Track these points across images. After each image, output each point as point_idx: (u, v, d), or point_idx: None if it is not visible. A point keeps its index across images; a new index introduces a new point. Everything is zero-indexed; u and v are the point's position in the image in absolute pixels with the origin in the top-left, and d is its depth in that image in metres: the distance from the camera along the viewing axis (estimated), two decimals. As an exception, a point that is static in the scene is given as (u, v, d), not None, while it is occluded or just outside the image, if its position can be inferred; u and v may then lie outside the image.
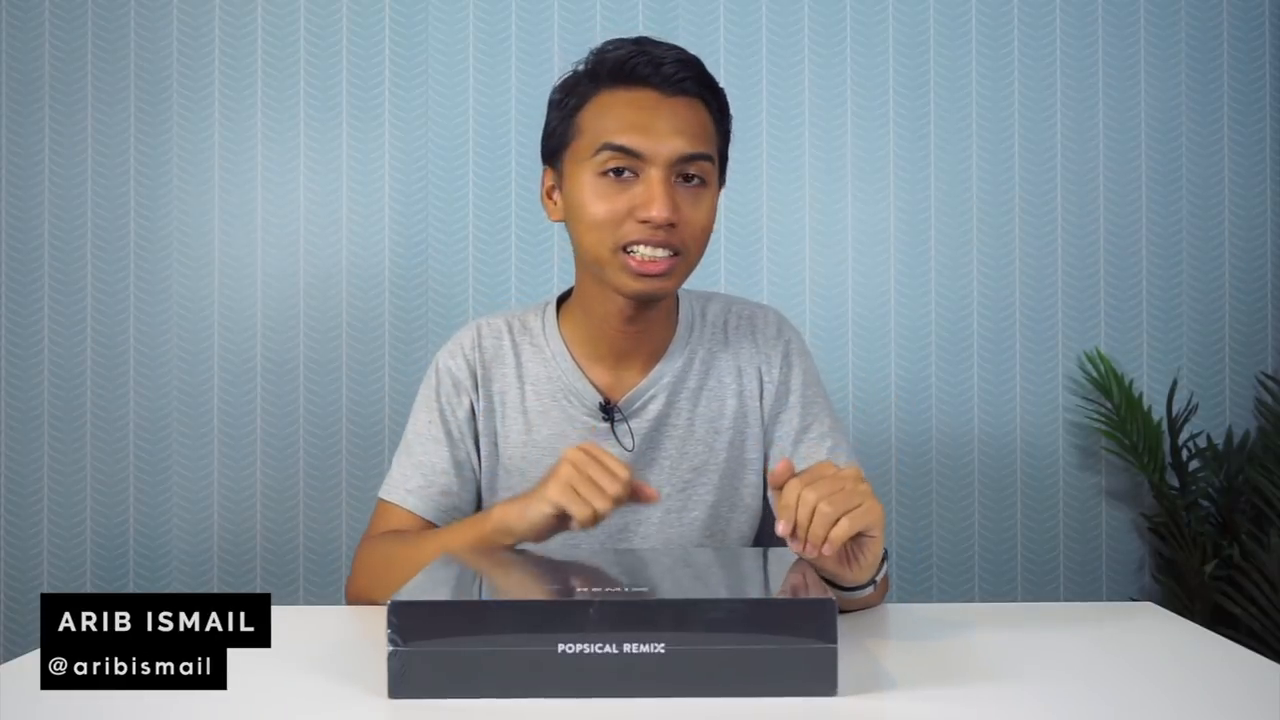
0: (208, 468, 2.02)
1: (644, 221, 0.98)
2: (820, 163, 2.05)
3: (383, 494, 1.12)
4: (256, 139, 2.02)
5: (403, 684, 0.67)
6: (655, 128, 0.99)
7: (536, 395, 1.11)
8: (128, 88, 2.02)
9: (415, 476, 1.10)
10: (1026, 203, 2.06)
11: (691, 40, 2.02)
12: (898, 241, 2.05)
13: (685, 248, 1.01)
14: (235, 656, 0.79)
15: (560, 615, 0.67)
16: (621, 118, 1.00)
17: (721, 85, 1.08)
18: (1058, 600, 2.03)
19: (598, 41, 1.07)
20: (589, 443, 0.94)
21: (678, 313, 1.14)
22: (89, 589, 2.01)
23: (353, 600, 1.09)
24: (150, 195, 2.02)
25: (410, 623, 0.67)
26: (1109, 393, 1.98)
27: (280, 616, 0.94)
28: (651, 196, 0.98)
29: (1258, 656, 0.77)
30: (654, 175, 0.99)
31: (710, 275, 2.02)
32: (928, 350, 2.05)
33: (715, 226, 1.05)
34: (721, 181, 1.09)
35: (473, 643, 0.67)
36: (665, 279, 1.01)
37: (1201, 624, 1.25)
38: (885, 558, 0.90)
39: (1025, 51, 2.06)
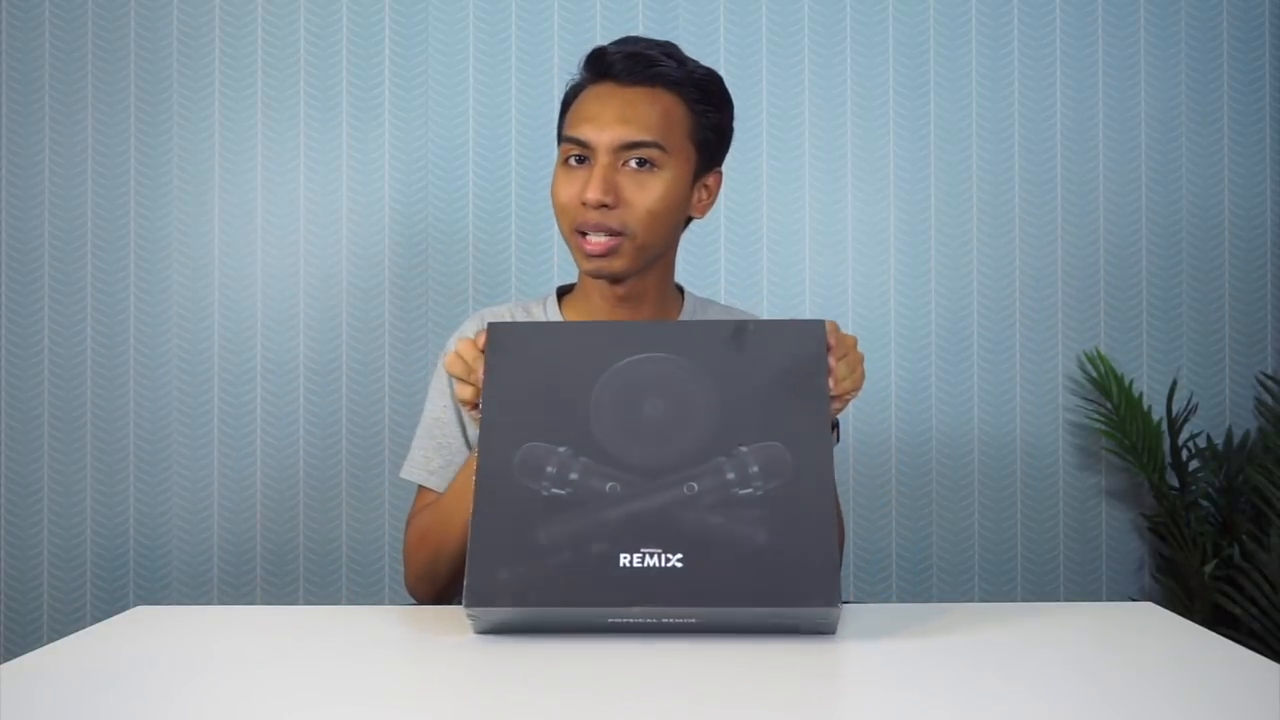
0: (208, 468, 2.02)
1: (584, 204, 1.05)
2: (820, 163, 2.05)
3: (406, 474, 1.19)
4: (256, 139, 2.02)
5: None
6: (602, 117, 1.06)
7: None
8: (128, 88, 2.02)
9: (436, 458, 1.17)
10: (1026, 203, 2.06)
11: (691, 40, 2.02)
12: (898, 241, 2.05)
13: (628, 229, 1.06)
14: (233, 652, 0.79)
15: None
16: (581, 111, 1.08)
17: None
18: (1058, 600, 2.03)
19: (598, 41, 1.14)
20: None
21: (683, 302, 1.21)
22: (89, 589, 2.01)
23: (414, 587, 1.14)
24: (150, 195, 2.02)
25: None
26: (1109, 393, 1.98)
27: (280, 616, 0.94)
28: (590, 180, 1.04)
29: (1258, 656, 0.77)
30: (598, 161, 1.05)
31: (710, 275, 2.02)
32: (928, 350, 2.05)
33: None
34: (712, 163, 1.13)
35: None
36: (609, 259, 1.06)
37: (1201, 624, 1.25)
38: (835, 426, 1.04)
39: (1025, 51, 2.06)
